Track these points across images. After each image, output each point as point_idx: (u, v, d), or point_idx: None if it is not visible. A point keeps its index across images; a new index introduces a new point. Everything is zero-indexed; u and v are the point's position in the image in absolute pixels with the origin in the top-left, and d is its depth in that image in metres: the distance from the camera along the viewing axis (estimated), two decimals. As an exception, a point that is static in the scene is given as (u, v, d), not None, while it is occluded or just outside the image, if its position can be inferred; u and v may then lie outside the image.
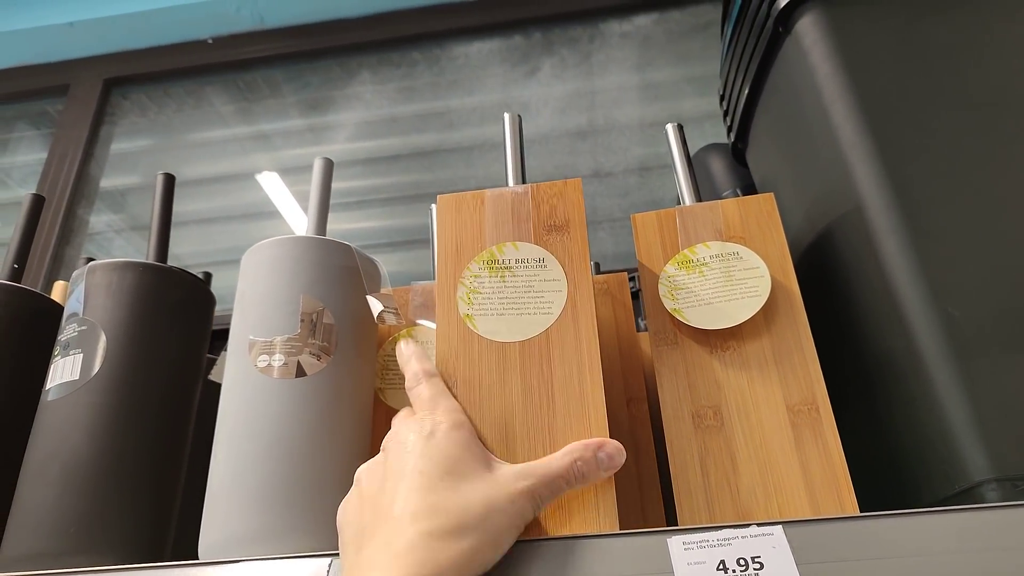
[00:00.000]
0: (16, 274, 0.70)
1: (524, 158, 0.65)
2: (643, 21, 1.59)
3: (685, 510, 0.49)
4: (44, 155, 2.01)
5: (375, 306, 0.57)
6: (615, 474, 0.45)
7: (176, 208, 0.72)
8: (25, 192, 0.76)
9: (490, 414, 0.47)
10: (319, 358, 0.54)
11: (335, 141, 1.62)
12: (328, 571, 0.46)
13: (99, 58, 1.80)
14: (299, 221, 1.80)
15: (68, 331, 0.60)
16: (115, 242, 1.78)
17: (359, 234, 1.53)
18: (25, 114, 2.15)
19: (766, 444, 0.50)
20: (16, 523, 0.54)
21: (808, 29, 0.61)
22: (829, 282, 0.58)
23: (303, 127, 1.75)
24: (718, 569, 0.39)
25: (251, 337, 0.55)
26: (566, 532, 0.43)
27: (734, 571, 0.38)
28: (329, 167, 0.68)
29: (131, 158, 1.91)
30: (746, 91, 0.69)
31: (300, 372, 0.54)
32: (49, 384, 0.58)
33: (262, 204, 1.86)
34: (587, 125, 1.46)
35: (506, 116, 0.67)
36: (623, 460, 0.44)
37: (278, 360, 0.54)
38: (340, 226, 1.54)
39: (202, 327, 0.65)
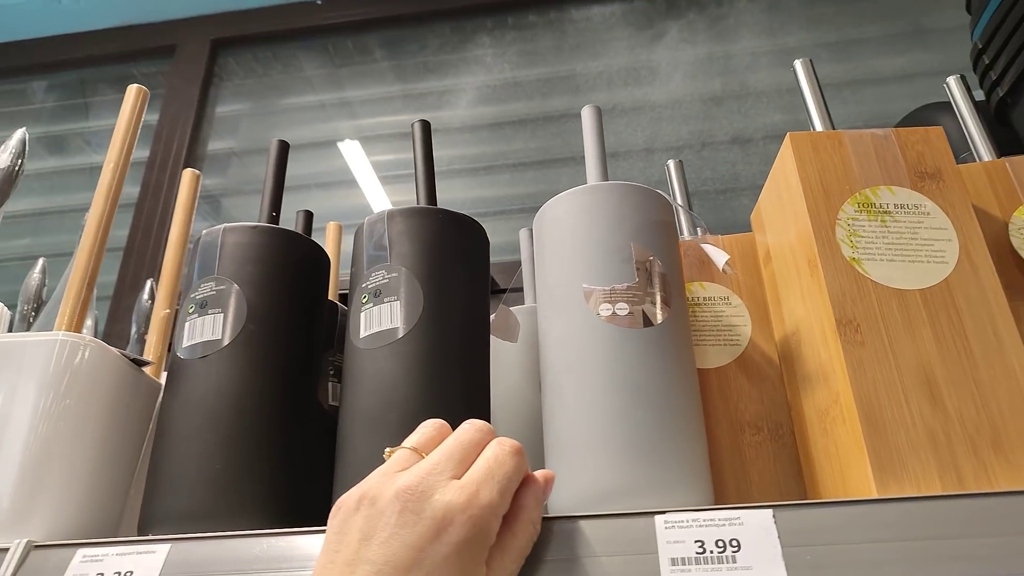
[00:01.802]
0: (274, 222, 0.68)
1: (826, 103, 0.63)
2: (769, -15, 1.56)
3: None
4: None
5: (719, 257, 0.55)
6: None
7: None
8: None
9: (904, 360, 0.45)
10: (660, 307, 0.53)
11: (455, 107, 1.60)
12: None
13: (205, 18, 1.77)
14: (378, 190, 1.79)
15: (375, 279, 0.58)
16: (223, 206, 1.76)
17: (487, 201, 1.51)
18: (107, 77, 2.12)
19: None
20: (359, 471, 0.52)
21: None
22: None
23: (425, 90, 1.72)
24: None
25: (586, 285, 0.54)
26: (1018, 482, 0.41)
27: None
28: (599, 115, 0.66)
29: (231, 121, 1.89)
30: (1036, 42, 0.66)
31: (647, 322, 0.52)
32: (364, 332, 0.57)
33: (360, 170, 1.84)
34: (721, 90, 1.43)
35: (797, 64, 0.65)
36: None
37: (622, 309, 0.52)
38: (469, 193, 1.52)
39: (486, 272, 0.64)
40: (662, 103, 1.47)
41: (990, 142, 0.69)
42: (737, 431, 0.58)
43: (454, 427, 0.53)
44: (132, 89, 0.75)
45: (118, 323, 1.40)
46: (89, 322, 1.03)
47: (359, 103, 1.96)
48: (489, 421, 0.58)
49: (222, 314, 0.59)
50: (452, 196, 1.49)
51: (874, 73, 1.46)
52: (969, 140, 0.65)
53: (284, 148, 0.72)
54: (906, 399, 0.44)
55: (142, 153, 1.75)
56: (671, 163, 0.77)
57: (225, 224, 0.64)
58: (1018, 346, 0.45)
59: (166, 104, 1.69)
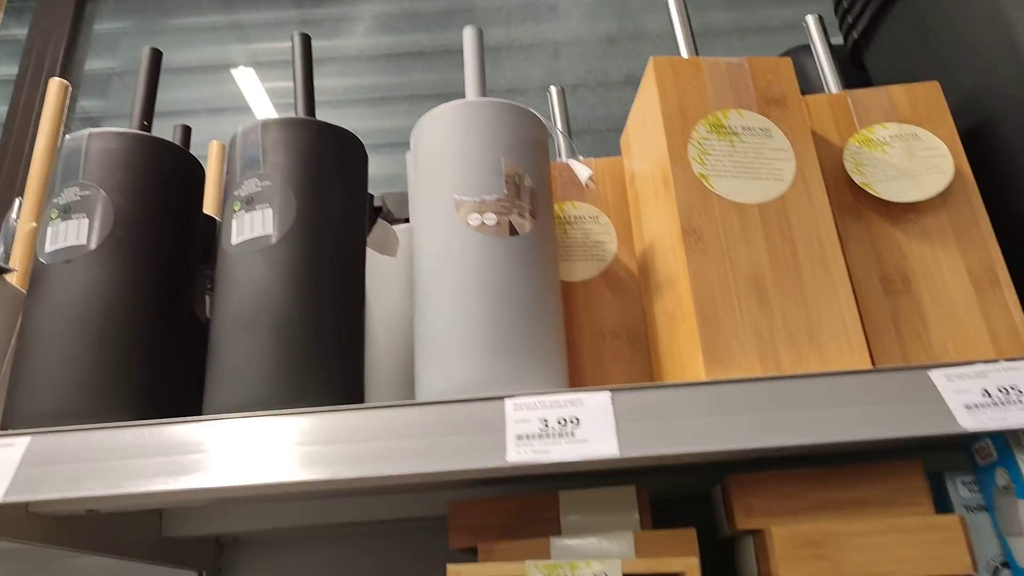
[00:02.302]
0: (146, 131, 0.67)
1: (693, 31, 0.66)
2: (669, -71, 1.58)
3: (882, 363, 0.54)
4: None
5: (582, 172, 0.58)
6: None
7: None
8: None
9: (739, 266, 0.50)
10: (526, 219, 0.56)
11: (352, 35, 1.56)
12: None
13: (80, -75, 1.64)
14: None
15: (248, 186, 0.58)
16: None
17: (384, 132, 1.49)
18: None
19: (952, 306, 0.55)
20: (229, 373, 0.53)
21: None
22: (993, 166, 0.62)
23: (321, 16, 1.67)
24: (983, 395, 0.43)
25: (457, 196, 0.56)
26: (826, 368, 0.47)
27: (998, 397, 0.43)
28: (480, 35, 0.68)
29: (110, 40, 1.78)
30: (887, -12, 0.72)
31: (512, 231, 0.55)
32: (236, 239, 0.57)
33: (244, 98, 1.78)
34: (618, 31, 1.46)
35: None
36: None
37: (490, 219, 0.55)
38: (365, 123, 1.50)
39: (364, 187, 0.65)
40: (560, 40, 1.49)
41: (842, 80, 0.75)
42: (598, 338, 0.62)
43: (327, 333, 0.54)
44: (-12, -16, 0.71)
45: (-15, 246, 1.32)
46: (-49, 242, 0.97)
47: (252, 27, 1.89)
48: (363, 328, 0.60)
49: (87, 219, 0.58)
50: (348, 126, 1.47)
51: (762, 22, 1.52)
52: (822, 76, 0.70)
53: (157, 56, 0.70)
54: (738, 300, 0.49)
55: (10, 70, 1.63)
56: (553, 88, 0.79)
57: (90, 129, 0.62)
58: (837, 255, 0.50)
59: (37, 17, 1.57)
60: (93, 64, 1.73)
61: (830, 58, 0.70)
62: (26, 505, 0.53)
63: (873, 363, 0.54)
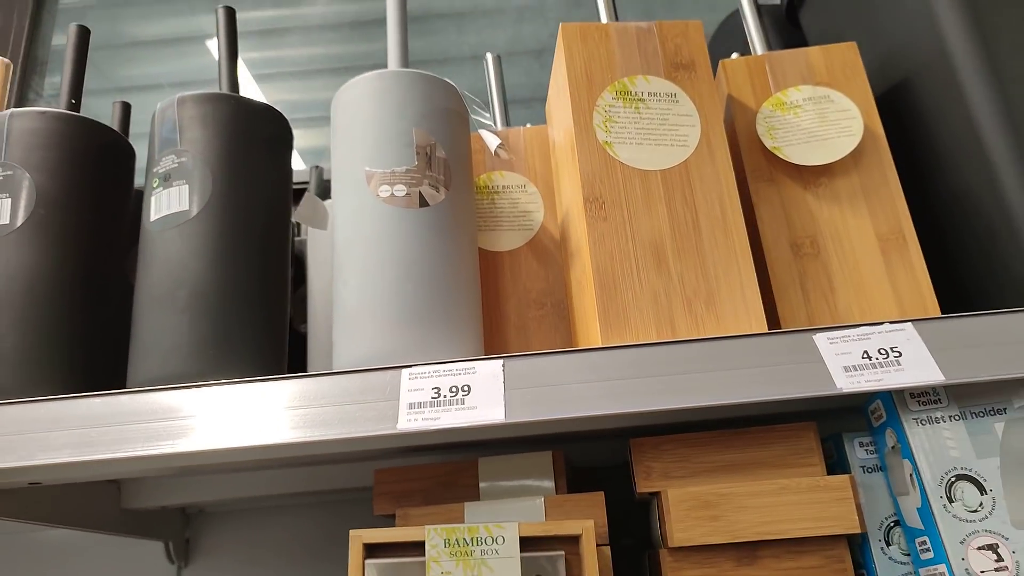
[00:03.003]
0: (74, 109, 0.67)
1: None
2: None
3: (788, 326, 0.55)
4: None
5: (492, 141, 0.58)
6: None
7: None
8: None
9: (640, 233, 0.50)
10: (438, 190, 0.56)
11: (315, 3, 1.54)
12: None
13: None
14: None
15: (165, 163, 0.59)
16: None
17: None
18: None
19: (859, 268, 0.56)
20: (148, 347, 0.54)
21: None
22: (908, 127, 0.63)
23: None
24: (863, 357, 0.44)
25: (367, 168, 0.56)
26: (722, 332, 0.48)
27: (877, 359, 0.44)
28: (403, 4, 0.67)
29: (76, 15, 1.76)
30: (816, -53, 0.71)
31: (423, 203, 0.55)
32: (154, 215, 0.58)
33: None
34: (583, -6, 1.44)
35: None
36: None
37: (400, 190, 0.55)
38: (330, 93, 1.49)
39: (288, 162, 0.65)
40: (524, 5, 1.48)
41: (767, 41, 0.74)
42: (524, 307, 0.63)
43: (245, 307, 0.55)
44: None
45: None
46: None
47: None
48: (285, 302, 0.60)
49: (9, 199, 0.58)
50: (312, 96, 1.47)
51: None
52: (749, 39, 0.70)
53: (84, 33, 0.69)
54: (636, 266, 0.50)
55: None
56: (489, 56, 0.79)
57: (12, 110, 0.62)
58: (739, 221, 0.51)
59: (-3, -9, 1.56)
60: (61, 40, 1.71)
61: (757, 18, 0.70)
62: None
63: (780, 327, 0.55)
